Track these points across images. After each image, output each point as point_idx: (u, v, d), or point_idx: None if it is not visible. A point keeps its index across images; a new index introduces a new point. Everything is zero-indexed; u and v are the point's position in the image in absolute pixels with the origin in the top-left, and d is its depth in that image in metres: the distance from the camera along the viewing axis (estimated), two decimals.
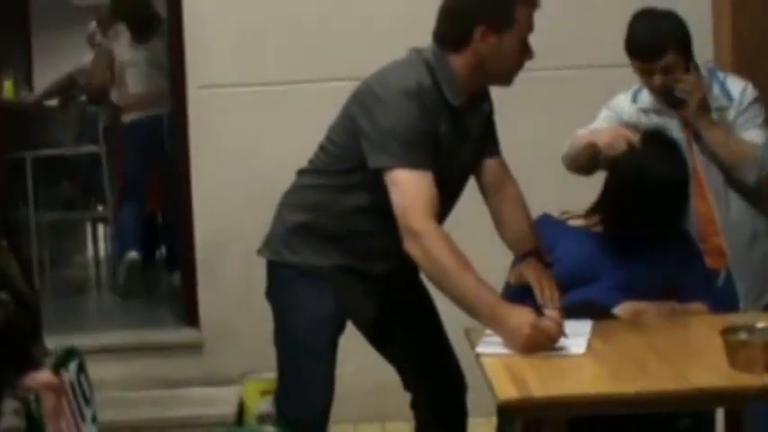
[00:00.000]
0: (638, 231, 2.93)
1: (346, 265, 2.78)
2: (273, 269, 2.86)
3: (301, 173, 2.87)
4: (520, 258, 2.81)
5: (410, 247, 2.54)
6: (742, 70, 3.85)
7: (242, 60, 4.63)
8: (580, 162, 3.25)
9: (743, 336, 2.28)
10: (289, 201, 2.87)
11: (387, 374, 4.70)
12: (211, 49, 4.62)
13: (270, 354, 2.91)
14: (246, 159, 4.63)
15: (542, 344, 2.41)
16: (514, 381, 2.22)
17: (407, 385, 3.08)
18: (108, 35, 6.47)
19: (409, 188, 2.54)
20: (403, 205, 2.55)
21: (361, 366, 4.57)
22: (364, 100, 2.66)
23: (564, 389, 2.23)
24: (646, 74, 3.32)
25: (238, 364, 4.49)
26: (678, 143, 3.13)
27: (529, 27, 2.66)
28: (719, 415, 2.94)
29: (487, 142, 2.86)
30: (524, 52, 2.67)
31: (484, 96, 2.83)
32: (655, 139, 3.03)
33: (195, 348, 4.71)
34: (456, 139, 2.70)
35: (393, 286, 2.84)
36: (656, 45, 3.26)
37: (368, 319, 2.91)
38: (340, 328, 2.84)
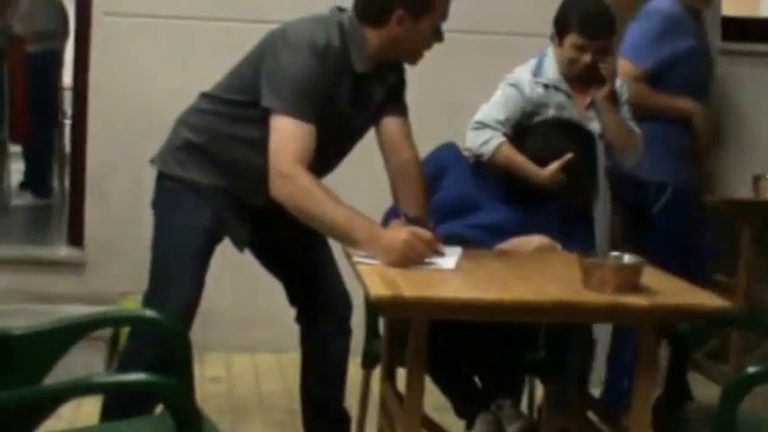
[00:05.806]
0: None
1: (226, 188, 2.90)
2: (161, 179, 2.98)
3: (203, 96, 2.98)
4: (405, 220, 2.86)
5: (277, 188, 2.65)
6: None
7: None
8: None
9: (597, 260, 2.53)
10: (185, 119, 2.98)
11: (258, 308, 4.88)
12: None
13: None
14: (144, 89, 4.70)
15: (418, 250, 2.58)
16: (387, 283, 2.40)
17: (292, 300, 3.15)
18: None
19: (287, 135, 2.66)
20: (276, 149, 2.66)
21: (234, 299, 4.75)
22: (275, 42, 2.78)
23: (432, 293, 2.42)
24: (580, 50, 3.47)
25: (120, 284, 4.54)
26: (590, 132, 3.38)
27: (443, 14, 2.82)
28: None
29: (390, 105, 2.96)
30: (435, 36, 2.82)
31: (394, 67, 2.94)
32: (571, 129, 3.29)
33: (77, 267, 4.77)
34: (353, 103, 2.83)
35: (272, 219, 2.90)
36: (607, 25, 3.44)
37: (243, 241, 3.00)
38: (214, 241, 2.93)
